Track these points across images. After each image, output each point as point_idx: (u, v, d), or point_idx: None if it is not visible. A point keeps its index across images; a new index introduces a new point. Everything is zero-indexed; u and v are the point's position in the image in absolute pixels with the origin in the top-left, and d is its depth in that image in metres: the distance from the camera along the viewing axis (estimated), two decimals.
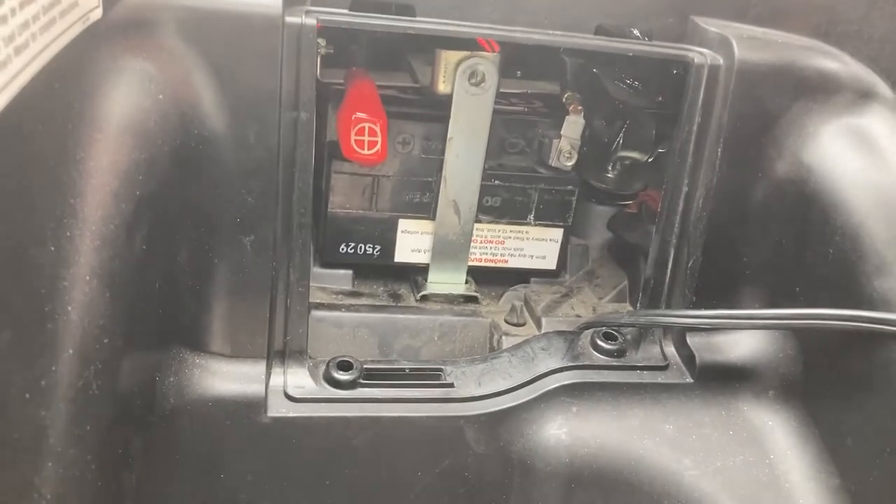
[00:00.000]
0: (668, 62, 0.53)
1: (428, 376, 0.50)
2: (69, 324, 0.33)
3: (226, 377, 0.46)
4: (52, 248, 0.33)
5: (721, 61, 0.48)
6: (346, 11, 0.45)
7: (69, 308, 0.33)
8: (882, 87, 0.49)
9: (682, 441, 0.49)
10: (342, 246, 0.60)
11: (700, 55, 0.49)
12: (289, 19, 0.42)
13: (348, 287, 0.61)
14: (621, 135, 0.61)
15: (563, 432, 0.49)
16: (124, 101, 0.38)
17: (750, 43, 0.48)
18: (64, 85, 0.34)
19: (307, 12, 0.44)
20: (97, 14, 0.36)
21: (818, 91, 0.49)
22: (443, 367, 0.51)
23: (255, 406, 0.46)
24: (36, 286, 0.32)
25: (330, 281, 0.60)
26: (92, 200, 0.35)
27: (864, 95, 0.49)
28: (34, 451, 0.31)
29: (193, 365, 0.45)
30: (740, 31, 0.49)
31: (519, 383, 0.50)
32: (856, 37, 0.49)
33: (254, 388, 0.46)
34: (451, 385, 0.49)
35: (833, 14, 0.50)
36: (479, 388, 0.49)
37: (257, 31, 0.42)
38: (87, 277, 0.34)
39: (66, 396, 0.33)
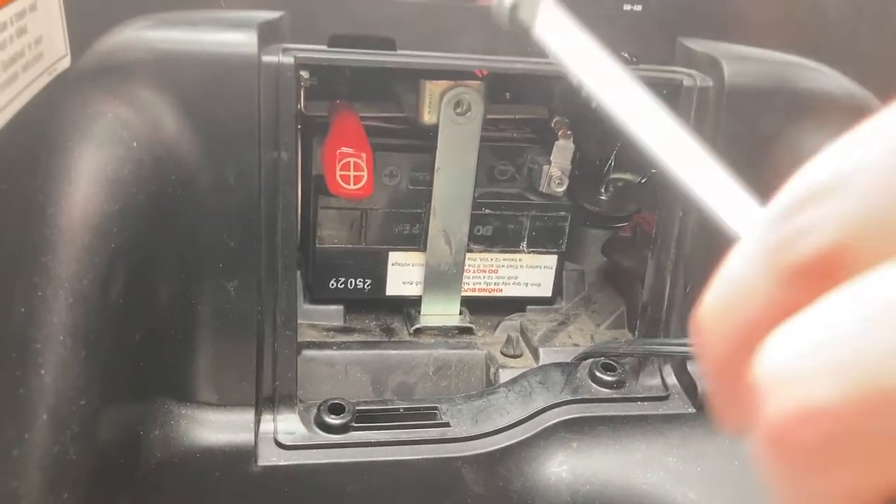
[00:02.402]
0: (657, 84, 0.52)
1: (422, 416, 0.48)
2: (42, 388, 0.32)
3: (213, 427, 0.45)
4: (23, 310, 0.32)
5: (710, 83, 0.47)
6: (324, 48, 0.44)
7: (42, 371, 0.32)
8: (876, 103, 0.48)
9: (686, 474, 0.48)
10: (332, 281, 0.58)
11: (689, 77, 0.47)
12: (265, 58, 0.41)
13: (340, 323, 0.59)
14: (613, 156, 0.60)
15: (563, 469, 0.47)
16: (95, 150, 0.36)
17: (739, 63, 0.47)
18: (31, 139, 0.33)
19: (284, 50, 0.42)
20: (65, 63, 0.35)
21: (812, 109, 0.48)
22: (438, 405, 0.49)
23: (244, 455, 0.45)
24: (6, 350, 0.31)
25: (321, 317, 0.59)
26: (64, 257, 0.34)
27: (859, 113, 0.48)
28: None
29: (179, 416, 0.44)
30: (729, 51, 0.48)
31: (517, 420, 0.48)
32: (845, 53, 0.48)
33: (243, 436, 0.45)
34: (446, 424, 0.48)
35: (821, 30, 0.48)
36: (475, 426, 0.48)
37: (233, 72, 0.41)
38: (61, 337, 0.33)
39: (41, 464, 0.31)
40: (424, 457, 0.47)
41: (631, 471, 0.48)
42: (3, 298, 0.30)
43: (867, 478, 0.12)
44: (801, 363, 0.12)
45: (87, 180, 0.36)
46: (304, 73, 0.52)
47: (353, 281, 0.59)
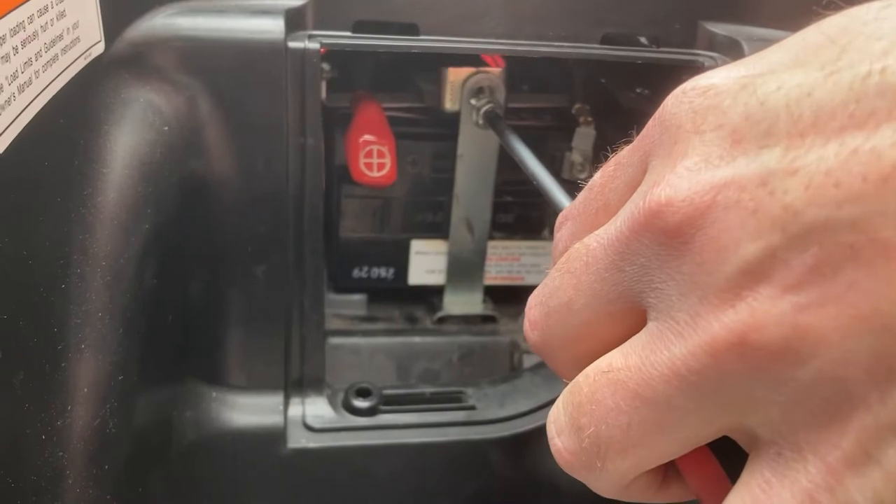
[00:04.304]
0: (677, 68, 0.52)
1: (449, 399, 0.49)
2: (83, 362, 0.32)
3: (243, 410, 0.45)
4: (63, 286, 0.32)
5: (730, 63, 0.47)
6: (348, 34, 0.45)
7: (82, 346, 0.33)
8: None
9: None
10: (355, 270, 0.59)
11: (710, 59, 0.48)
12: (291, 44, 0.42)
13: (363, 312, 0.60)
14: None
15: None
16: (129, 134, 0.37)
17: (759, 43, 0.47)
18: (68, 121, 0.33)
19: (310, 36, 0.43)
20: (99, 48, 0.36)
21: None
22: (464, 389, 0.50)
23: (274, 438, 0.45)
24: (48, 325, 0.31)
25: (344, 307, 0.60)
26: (101, 236, 0.34)
27: None
28: (52, 493, 0.31)
29: (210, 399, 0.45)
30: (750, 33, 0.48)
31: (543, 402, 0.48)
32: None
33: (272, 419, 0.45)
34: (473, 408, 0.48)
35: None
36: (502, 409, 0.48)
37: (260, 57, 0.41)
38: (100, 314, 0.34)
39: (83, 436, 0.32)
40: (451, 439, 0.47)
41: None
42: (44, 276, 0.31)
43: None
44: (532, 307, 0.23)
45: (121, 163, 0.36)
46: (326, 66, 0.53)
47: (377, 270, 0.59)
